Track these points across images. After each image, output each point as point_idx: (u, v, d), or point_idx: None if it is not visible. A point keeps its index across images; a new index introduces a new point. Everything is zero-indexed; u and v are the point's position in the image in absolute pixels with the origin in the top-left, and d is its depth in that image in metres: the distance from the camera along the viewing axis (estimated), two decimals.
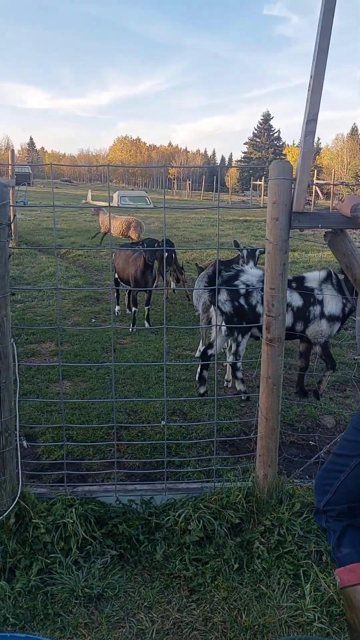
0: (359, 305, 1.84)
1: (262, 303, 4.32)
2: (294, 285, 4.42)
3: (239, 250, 5.07)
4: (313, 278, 4.48)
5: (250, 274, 4.47)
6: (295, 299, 4.38)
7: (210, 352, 4.59)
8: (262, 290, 4.29)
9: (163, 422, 3.77)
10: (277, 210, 2.43)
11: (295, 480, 2.97)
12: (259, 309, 4.35)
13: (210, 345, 4.63)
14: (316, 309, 4.38)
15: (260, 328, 4.39)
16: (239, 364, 4.61)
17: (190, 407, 4.31)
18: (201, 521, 2.63)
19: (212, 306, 4.71)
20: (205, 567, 2.49)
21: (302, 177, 2.39)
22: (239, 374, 4.66)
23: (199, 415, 4.19)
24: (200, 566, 2.50)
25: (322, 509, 1.88)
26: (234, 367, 4.68)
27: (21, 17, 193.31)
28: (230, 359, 4.69)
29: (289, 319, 4.33)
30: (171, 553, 2.58)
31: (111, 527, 2.66)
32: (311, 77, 2.27)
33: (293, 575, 2.43)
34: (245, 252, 4.92)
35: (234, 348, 4.58)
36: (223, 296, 4.44)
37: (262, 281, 4.37)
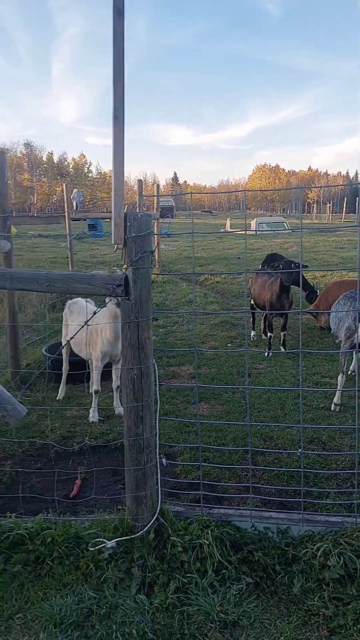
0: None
1: None
2: None
3: None
4: None
5: None
6: None
7: None
8: None
9: (300, 450, 3.64)
10: None
11: None
12: None
13: None
14: None
15: None
16: None
17: (329, 436, 4.11)
18: (342, 558, 2.47)
19: None
20: (347, 608, 2.33)
21: None
22: None
23: (339, 446, 3.98)
24: (341, 606, 2.35)
25: None
26: None
27: (167, 64, 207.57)
28: None
29: None
30: (309, 588, 2.46)
31: (246, 553, 2.62)
32: None
33: None
34: None
35: None
36: None
37: None
